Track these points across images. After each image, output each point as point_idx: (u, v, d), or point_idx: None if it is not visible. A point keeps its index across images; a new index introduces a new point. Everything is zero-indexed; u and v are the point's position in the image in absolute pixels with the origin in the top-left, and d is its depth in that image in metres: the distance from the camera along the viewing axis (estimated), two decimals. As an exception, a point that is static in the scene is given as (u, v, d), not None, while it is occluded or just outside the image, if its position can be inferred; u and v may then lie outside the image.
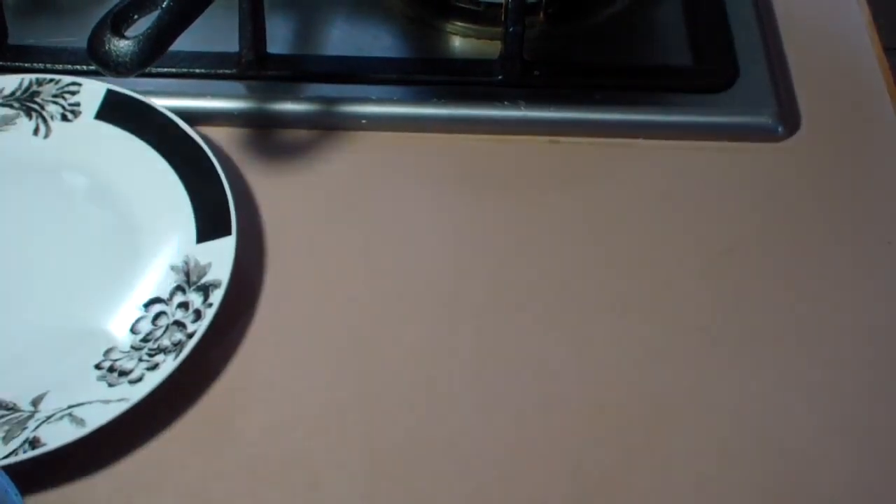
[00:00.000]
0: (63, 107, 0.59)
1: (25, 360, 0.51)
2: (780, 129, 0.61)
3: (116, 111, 0.58)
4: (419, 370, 0.51)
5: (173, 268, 0.53)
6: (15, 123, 0.58)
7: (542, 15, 0.65)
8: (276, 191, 0.58)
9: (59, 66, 0.61)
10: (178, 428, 0.49)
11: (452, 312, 0.54)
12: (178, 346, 0.50)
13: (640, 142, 0.60)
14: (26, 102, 0.59)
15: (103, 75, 0.54)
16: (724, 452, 0.49)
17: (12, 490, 0.40)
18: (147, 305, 0.52)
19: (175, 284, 0.52)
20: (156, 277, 0.53)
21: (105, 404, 0.48)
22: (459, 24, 0.65)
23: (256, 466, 0.48)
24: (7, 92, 0.59)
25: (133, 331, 0.51)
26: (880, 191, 0.60)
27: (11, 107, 0.59)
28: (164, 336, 0.50)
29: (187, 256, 0.53)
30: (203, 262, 0.53)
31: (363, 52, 0.63)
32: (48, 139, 0.58)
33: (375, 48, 0.64)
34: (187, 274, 0.53)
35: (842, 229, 0.58)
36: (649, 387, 0.51)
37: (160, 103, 0.58)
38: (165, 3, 0.52)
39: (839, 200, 0.59)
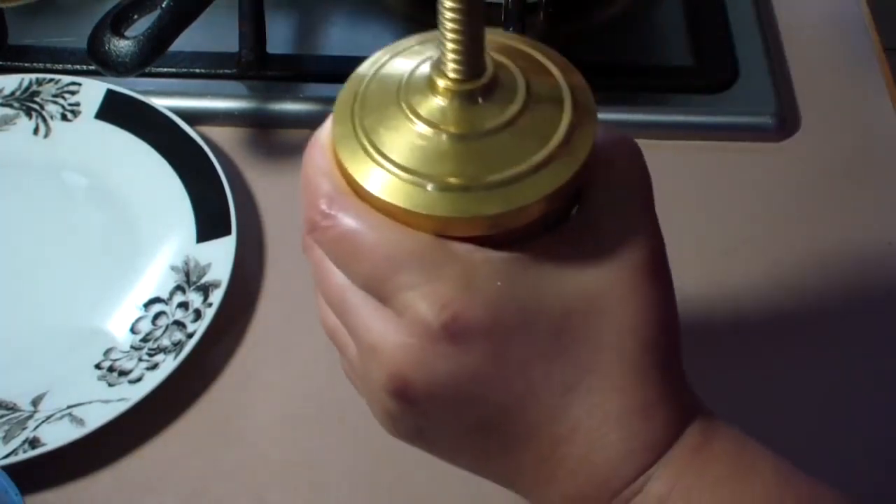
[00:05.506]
0: (63, 107, 0.59)
1: (25, 359, 0.51)
2: (780, 129, 0.61)
3: (116, 111, 0.58)
4: (419, 370, 0.51)
5: (173, 268, 0.53)
6: (15, 123, 0.58)
7: (542, 15, 0.65)
8: (276, 191, 0.58)
9: (59, 66, 0.61)
10: (178, 428, 0.49)
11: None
12: (178, 345, 0.50)
13: (640, 142, 0.60)
14: (26, 102, 0.59)
15: (103, 75, 0.54)
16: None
17: (12, 490, 0.40)
18: (147, 305, 0.52)
19: (175, 284, 0.52)
20: (156, 277, 0.53)
21: (105, 404, 0.48)
22: (459, 24, 0.65)
23: (256, 466, 0.48)
24: (7, 92, 0.59)
25: (133, 331, 0.51)
26: (880, 191, 0.60)
27: (11, 107, 0.59)
28: (164, 336, 0.50)
29: (187, 256, 0.53)
30: (203, 262, 0.53)
31: (363, 52, 0.63)
32: (48, 139, 0.58)
33: (375, 48, 0.63)
34: (187, 274, 0.53)
35: (842, 229, 0.58)
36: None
37: (160, 103, 0.58)
38: (165, 3, 0.52)
39: (839, 200, 0.59)
